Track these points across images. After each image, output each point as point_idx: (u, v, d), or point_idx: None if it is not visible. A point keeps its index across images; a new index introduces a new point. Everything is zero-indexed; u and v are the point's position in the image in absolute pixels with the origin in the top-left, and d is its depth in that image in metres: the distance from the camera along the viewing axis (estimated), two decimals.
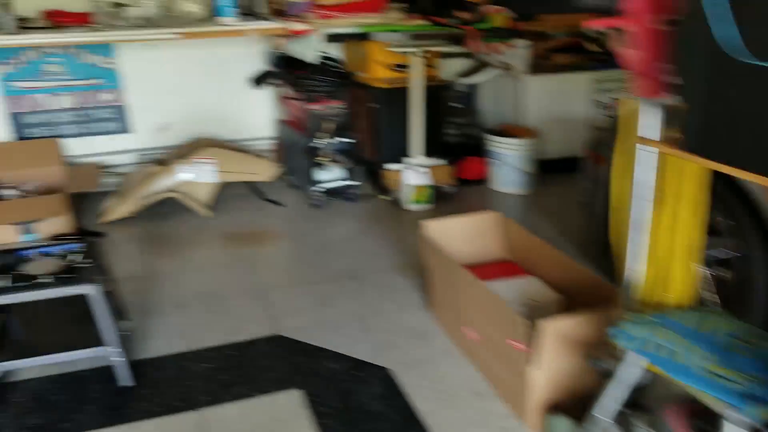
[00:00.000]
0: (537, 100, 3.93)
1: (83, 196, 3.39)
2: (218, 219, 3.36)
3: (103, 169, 3.66)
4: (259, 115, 3.96)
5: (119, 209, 3.22)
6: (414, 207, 3.52)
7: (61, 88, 3.45)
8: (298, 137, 3.43)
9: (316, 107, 3.28)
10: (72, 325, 2.07)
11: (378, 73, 3.38)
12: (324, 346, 2.33)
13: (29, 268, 1.93)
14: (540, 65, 3.93)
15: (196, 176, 3.29)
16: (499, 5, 3.41)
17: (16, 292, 1.83)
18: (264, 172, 3.49)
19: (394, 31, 3.16)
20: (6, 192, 3.13)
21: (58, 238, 3.05)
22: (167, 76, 3.66)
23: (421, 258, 2.50)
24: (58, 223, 3.04)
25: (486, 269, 2.41)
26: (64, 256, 2.02)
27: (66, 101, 3.48)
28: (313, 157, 3.31)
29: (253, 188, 3.71)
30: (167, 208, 3.41)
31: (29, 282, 1.86)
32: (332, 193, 3.51)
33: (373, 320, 2.50)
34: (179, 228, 3.25)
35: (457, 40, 3.42)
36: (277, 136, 3.91)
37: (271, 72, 3.41)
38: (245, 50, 3.77)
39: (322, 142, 3.26)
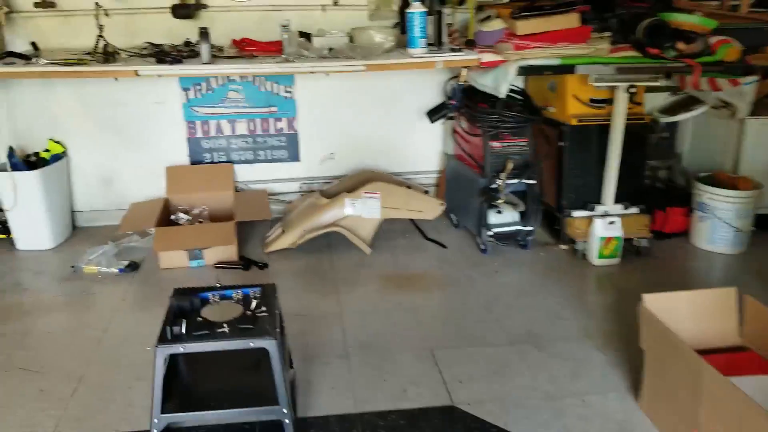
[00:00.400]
0: (758, 145, 3.27)
1: (248, 222, 3.36)
2: (377, 257, 3.13)
3: (270, 196, 3.63)
4: (424, 148, 3.72)
5: (283, 240, 3.12)
6: (599, 261, 3.03)
7: (238, 115, 3.48)
8: (471, 175, 3.11)
9: (496, 144, 2.95)
10: (242, 374, 1.89)
11: (570, 108, 2.98)
12: (508, 429, 1.94)
13: (208, 314, 1.79)
14: (764, 105, 3.28)
15: (362, 211, 3.10)
16: (724, 35, 2.86)
17: (196, 341, 1.68)
18: (429, 210, 3.21)
19: (597, 63, 2.74)
20: (181, 216, 3.16)
21: (221, 265, 3.00)
22: (336, 106, 3.56)
23: (641, 338, 2.02)
24: (225, 251, 3.00)
25: (721, 360, 1.87)
26: (242, 301, 1.86)
27: (241, 128, 3.50)
28: (486, 198, 2.97)
29: (416, 226, 3.46)
30: (326, 240, 3.26)
31: (209, 331, 1.70)
32: (503, 237, 3.13)
33: (564, 402, 2.06)
34: (338, 264, 3.06)
35: (668, 73, 2.92)
36: (444, 171, 3.63)
37: (447, 105, 3.15)
38: (419, 80, 3.57)
39: (500, 182, 2.91)
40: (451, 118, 3.36)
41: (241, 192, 3.51)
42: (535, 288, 2.84)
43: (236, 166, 3.58)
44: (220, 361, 1.91)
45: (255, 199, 3.35)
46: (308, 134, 3.59)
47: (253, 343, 1.70)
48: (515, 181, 2.98)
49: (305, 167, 3.66)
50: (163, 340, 1.69)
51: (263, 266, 3.00)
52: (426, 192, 3.52)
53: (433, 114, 3.18)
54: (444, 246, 3.26)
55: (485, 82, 2.90)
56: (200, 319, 1.77)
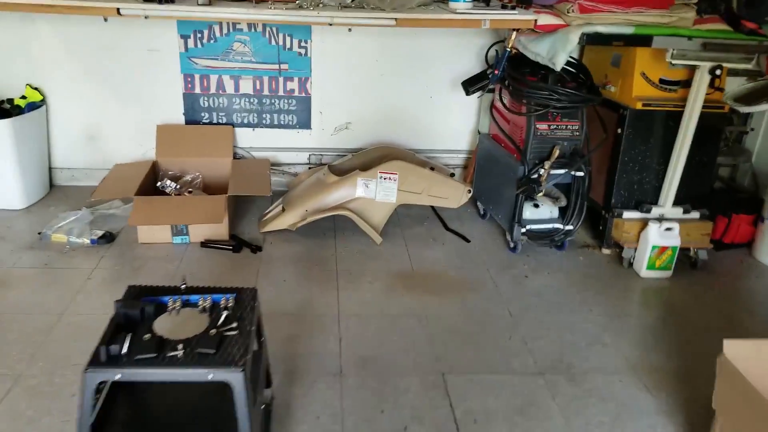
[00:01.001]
0: None
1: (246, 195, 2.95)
2: (388, 247, 2.70)
3: (274, 167, 3.21)
4: (455, 124, 3.25)
5: (282, 220, 2.70)
6: (648, 273, 2.57)
7: (243, 70, 3.03)
8: (507, 160, 2.64)
9: (543, 126, 2.47)
10: (203, 399, 1.50)
11: (635, 88, 2.47)
12: None
13: (162, 327, 1.39)
14: None
15: (376, 194, 2.66)
16: None
17: (138, 366, 1.28)
18: (454, 197, 2.76)
19: (680, 36, 2.22)
20: (168, 183, 2.76)
21: (209, 244, 2.60)
22: (357, 68, 3.08)
23: (716, 396, 1.58)
24: (214, 228, 2.60)
25: None
26: (208, 312, 1.45)
27: (246, 86, 3.06)
28: (524, 190, 2.51)
29: (436, 213, 3.01)
30: (331, 222, 2.84)
31: (158, 353, 1.30)
32: (538, 236, 2.68)
33: None
34: (343, 252, 2.64)
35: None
36: (475, 152, 3.16)
37: (489, 74, 2.67)
38: (457, 43, 3.07)
39: (543, 172, 2.44)
40: (490, 91, 2.86)
41: (240, 160, 3.08)
42: (572, 301, 2.39)
43: (237, 130, 3.15)
44: (173, 386, 1.51)
45: (255, 169, 2.93)
46: (322, 99, 3.13)
47: (213, 375, 1.30)
48: (561, 171, 2.51)
49: (316, 137, 3.21)
50: (94, 362, 1.29)
51: (256, 249, 2.60)
52: (452, 175, 3.05)
53: (471, 85, 2.69)
54: (467, 240, 2.81)
55: (538, 51, 2.40)
56: (149, 335, 1.36)
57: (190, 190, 2.76)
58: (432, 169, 2.80)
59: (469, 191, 2.81)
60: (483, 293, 2.41)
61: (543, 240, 2.70)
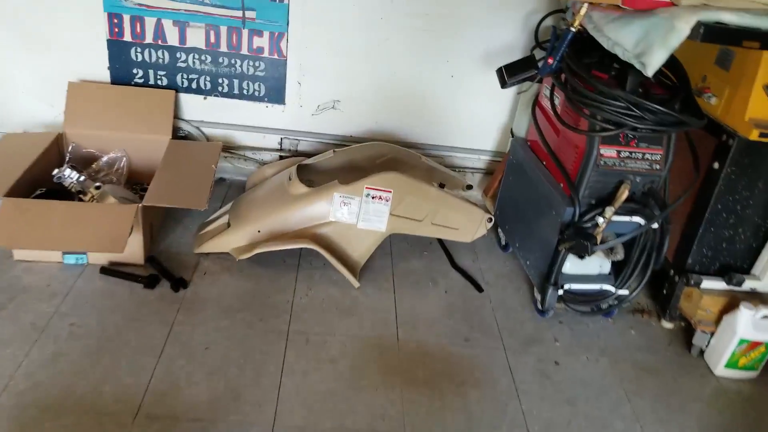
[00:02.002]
0: None
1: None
2: (370, 294, 1.94)
3: (232, 151, 2.40)
4: (481, 117, 2.41)
5: (224, 240, 1.93)
6: (725, 372, 1.82)
7: (193, 15, 2.18)
8: (549, 191, 1.83)
9: (610, 153, 1.66)
10: None
11: (751, 108, 1.64)
12: None
13: None
14: None
15: (359, 218, 1.88)
16: None
17: None
18: (468, 228, 1.98)
19: None
20: (67, 174, 1.94)
21: (112, 270, 1.85)
22: (352, 26, 2.22)
23: None
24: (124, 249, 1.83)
25: None
26: None
27: (196, 37, 2.21)
28: (571, 245, 1.72)
29: (441, 244, 2.23)
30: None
31: None
32: (578, 298, 1.92)
33: None
34: (303, 299, 1.89)
35: None
36: (505, 161, 2.36)
37: (536, 64, 1.81)
38: (495, 7, 2.20)
39: (601, 222, 1.65)
40: (539, 81, 2.01)
41: (181, 141, 2.25)
42: (619, 414, 1.66)
43: (182, 97, 2.32)
44: None
45: (198, 157, 2.11)
46: (302, 65, 2.29)
47: None
48: (625, 219, 1.72)
49: (291, 115, 2.38)
50: None
51: (179, 284, 1.83)
52: (468, 187, 2.26)
53: (512, 73, 1.83)
54: (479, 289, 2.04)
55: (620, 39, 1.55)
56: None
57: (99, 184, 1.95)
58: (442, 186, 2.00)
59: (490, 220, 2.03)
60: (492, 391, 1.66)
61: (585, 305, 1.93)
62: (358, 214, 1.88)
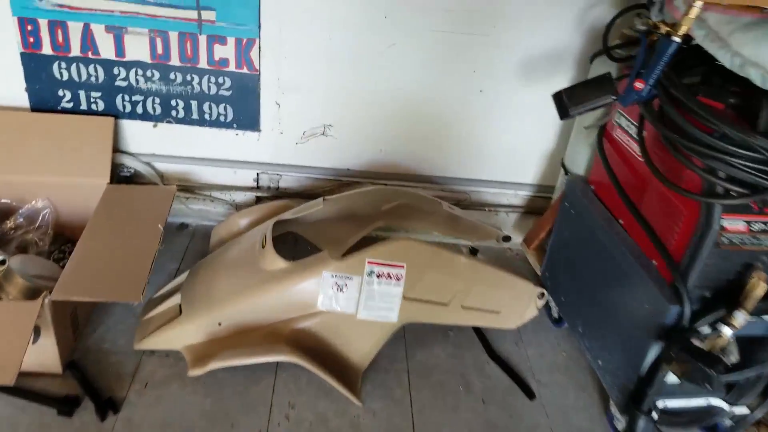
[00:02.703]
0: None
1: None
2: (375, 408, 1.38)
3: (192, 193, 1.85)
4: (519, 140, 1.83)
5: (174, 333, 1.39)
6: None
7: (132, 18, 1.62)
8: (636, 269, 1.24)
9: (739, 227, 1.10)
10: None
11: None
12: None
13: None
14: None
15: (359, 306, 1.34)
16: None
17: None
18: (513, 311, 1.43)
19: None
20: None
21: (13, 388, 1.31)
22: (345, 27, 1.66)
23: None
24: (35, 354, 1.29)
25: None
26: None
27: (137, 47, 1.65)
28: (683, 355, 1.15)
29: (476, 328, 1.67)
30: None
31: None
32: (677, 417, 1.36)
33: None
34: (281, 422, 1.34)
35: None
36: (557, 205, 1.80)
37: (613, 86, 1.23)
38: (541, 7, 1.62)
39: (726, 332, 1.09)
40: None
41: (120, 187, 1.67)
42: None
43: (125, 125, 1.77)
44: None
45: (143, 211, 1.57)
46: (281, 79, 1.71)
47: None
48: (752, 319, 1.16)
49: (269, 144, 1.82)
50: None
51: (106, 407, 1.30)
52: (505, 239, 1.70)
53: (577, 100, 1.21)
54: (530, 394, 1.49)
55: (764, 57, 1.00)
56: None
57: (2, 257, 1.40)
58: (474, 252, 1.44)
59: (542, 295, 1.48)
60: None
61: (685, 425, 1.37)
62: (357, 301, 1.34)
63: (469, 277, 1.37)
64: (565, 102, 1.26)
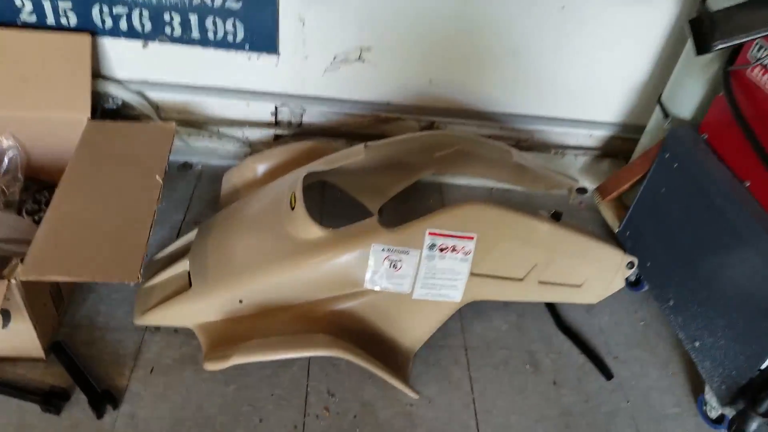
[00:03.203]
0: None
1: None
2: (430, 395, 1.13)
3: (196, 128, 1.51)
4: (598, 75, 1.48)
5: (183, 309, 1.11)
6: None
7: None
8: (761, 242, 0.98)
9: None
10: None
11: None
12: None
13: None
14: None
15: (415, 285, 1.05)
16: None
17: None
18: (597, 283, 1.15)
19: None
20: None
21: None
22: None
23: None
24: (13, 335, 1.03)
25: None
26: None
27: None
28: None
29: (551, 308, 1.39)
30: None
31: None
32: None
33: None
34: (319, 414, 1.09)
35: None
36: (652, 154, 1.47)
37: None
38: None
39: None
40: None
41: (105, 123, 1.33)
42: None
43: (107, 44, 1.41)
44: None
45: (135, 156, 1.24)
46: None
47: None
48: None
49: (290, 70, 1.46)
50: None
51: (103, 401, 1.04)
52: (580, 191, 1.40)
53: (727, 27, 0.88)
54: (607, 374, 1.23)
55: None
56: None
57: None
58: (556, 216, 1.12)
59: (632, 265, 1.19)
60: None
61: None
62: (414, 278, 1.05)
63: (551, 247, 1.08)
64: (711, 30, 0.91)
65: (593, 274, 1.16)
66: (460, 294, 1.08)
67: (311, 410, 1.09)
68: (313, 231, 1.05)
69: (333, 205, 1.45)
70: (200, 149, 1.55)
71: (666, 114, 1.33)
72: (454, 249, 1.03)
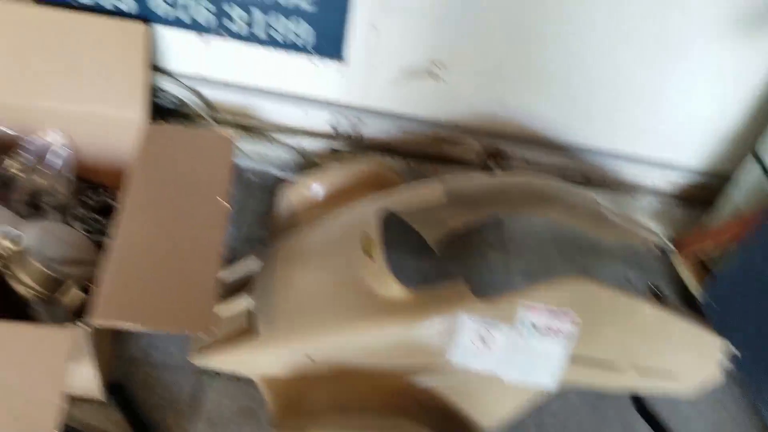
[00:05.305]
0: None
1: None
2: None
3: (247, 132, 1.39)
4: (683, 114, 1.35)
5: (247, 356, 1.01)
6: None
7: None
8: None
9: None
10: None
11: None
12: None
13: None
14: None
15: (509, 369, 0.97)
16: None
17: None
18: (694, 372, 1.07)
19: None
20: None
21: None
22: None
23: None
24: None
25: None
26: None
27: None
28: None
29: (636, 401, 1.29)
30: None
31: None
32: None
33: None
34: None
35: None
36: (754, 221, 1.37)
37: None
38: None
39: None
40: None
41: (163, 127, 1.21)
42: None
43: (163, 33, 1.27)
44: None
45: (197, 171, 1.13)
46: (380, 4, 1.22)
47: None
48: None
49: (355, 79, 1.33)
50: None
51: None
52: (657, 296, 1.32)
53: None
54: None
55: None
56: None
57: (18, 233, 0.98)
58: (657, 295, 1.04)
59: (727, 351, 1.12)
60: None
61: None
62: (505, 358, 0.97)
63: (653, 332, 1.00)
64: None
65: (690, 362, 1.08)
66: (554, 382, 0.99)
67: None
68: (395, 289, 0.96)
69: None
70: (251, 153, 1.43)
71: (763, 166, 1.24)
72: (551, 328, 0.95)
